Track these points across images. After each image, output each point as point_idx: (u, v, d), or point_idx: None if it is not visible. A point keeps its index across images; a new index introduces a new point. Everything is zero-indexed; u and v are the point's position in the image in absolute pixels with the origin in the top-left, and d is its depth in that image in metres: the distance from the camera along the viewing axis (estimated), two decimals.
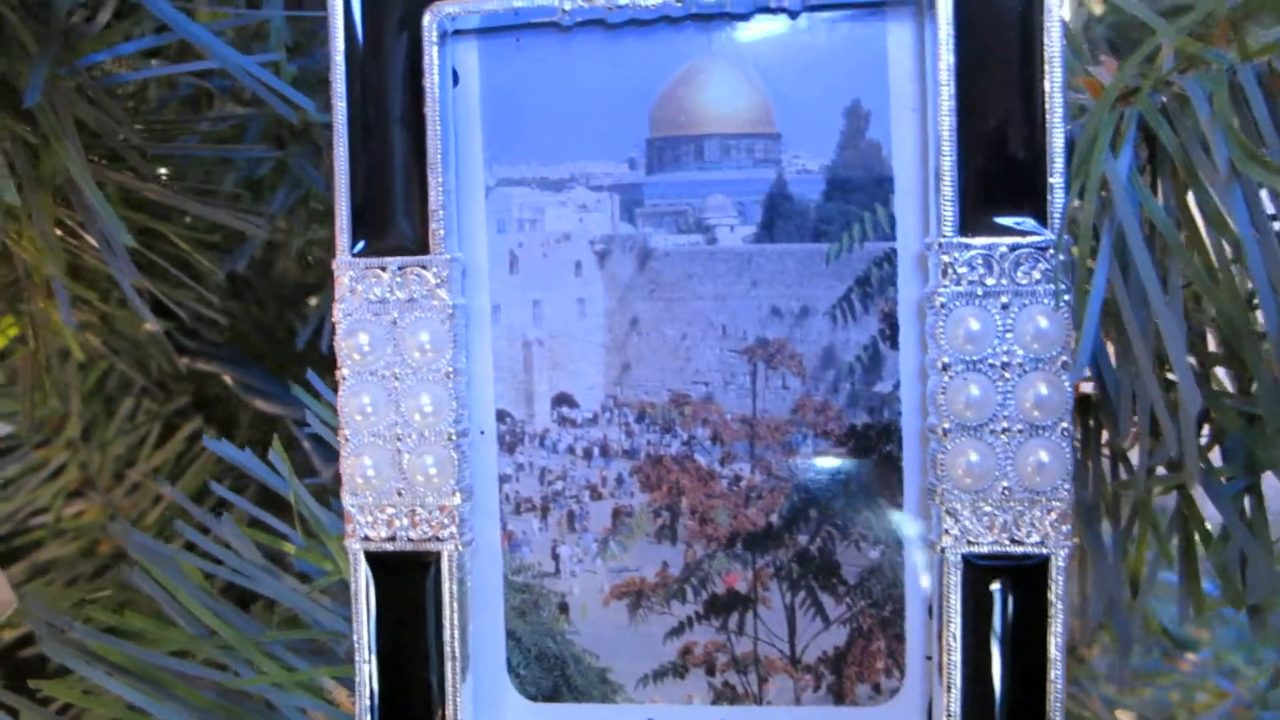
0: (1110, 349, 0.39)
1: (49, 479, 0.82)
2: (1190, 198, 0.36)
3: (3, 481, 0.81)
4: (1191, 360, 0.39)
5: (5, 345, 0.68)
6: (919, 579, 0.38)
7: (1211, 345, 0.40)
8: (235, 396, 0.72)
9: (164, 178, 0.47)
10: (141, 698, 0.38)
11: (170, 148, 0.51)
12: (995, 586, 0.36)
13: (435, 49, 0.37)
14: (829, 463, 0.38)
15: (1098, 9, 0.67)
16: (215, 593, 0.41)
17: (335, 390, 0.46)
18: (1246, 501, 0.39)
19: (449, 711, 0.38)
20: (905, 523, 0.38)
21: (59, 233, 0.51)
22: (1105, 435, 0.42)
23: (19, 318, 0.62)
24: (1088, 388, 0.43)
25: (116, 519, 0.40)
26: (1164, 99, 0.35)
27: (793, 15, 0.37)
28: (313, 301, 0.72)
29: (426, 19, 0.37)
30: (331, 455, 0.53)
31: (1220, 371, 0.41)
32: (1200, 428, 0.41)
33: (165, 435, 0.81)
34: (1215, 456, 0.40)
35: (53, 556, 0.83)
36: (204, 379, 0.74)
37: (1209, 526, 0.39)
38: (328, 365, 0.41)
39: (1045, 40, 0.35)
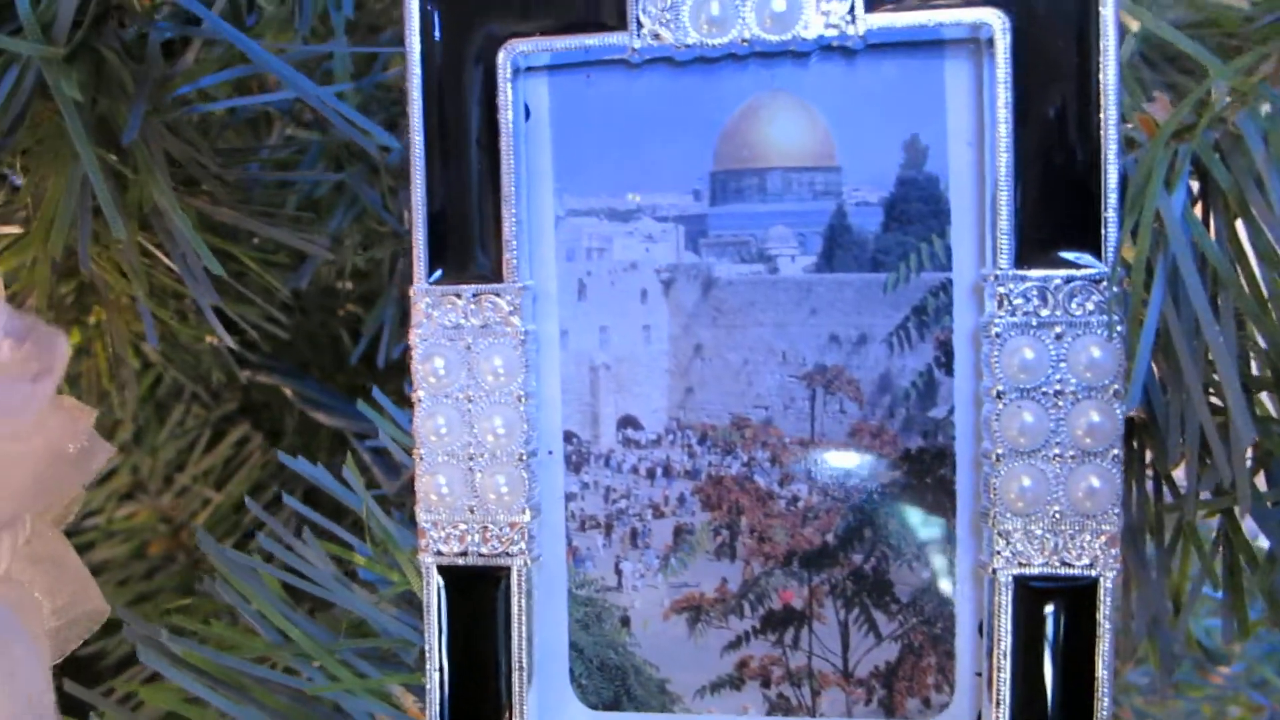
0: (1157, 375, 0.40)
1: (101, 482, 0.84)
2: (1240, 229, 0.37)
3: None
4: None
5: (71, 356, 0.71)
6: (969, 599, 0.39)
7: (1254, 369, 0.41)
8: (282, 403, 0.74)
9: (242, 201, 0.49)
10: (225, 701, 0.40)
11: (238, 172, 0.53)
12: (1046, 608, 0.37)
13: (509, 85, 0.39)
14: (884, 485, 0.39)
15: (1133, 25, 0.68)
16: (292, 602, 0.43)
17: (394, 403, 0.48)
18: None
19: (515, 719, 0.39)
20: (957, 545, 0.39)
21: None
22: (1149, 456, 0.44)
23: (83, 329, 0.65)
24: (1133, 412, 0.44)
25: (202, 530, 0.42)
26: (1217, 136, 0.36)
27: (853, 53, 0.39)
28: (362, 314, 0.74)
29: (501, 56, 0.39)
30: (392, 468, 0.55)
31: (1265, 397, 0.42)
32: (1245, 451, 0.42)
33: (214, 440, 0.83)
34: (1260, 480, 0.41)
35: (104, 558, 0.86)
36: (251, 386, 0.76)
37: (1254, 549, 0.40)
38: (380, 377, 0.43)
39: (1101, 78, 0.36)
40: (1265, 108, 0.35)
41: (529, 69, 0.40)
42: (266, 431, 0.83)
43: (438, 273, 0.40)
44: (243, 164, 0.52)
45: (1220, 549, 0.42)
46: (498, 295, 0.39)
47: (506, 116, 0.39)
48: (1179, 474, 0.41)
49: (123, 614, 0.41)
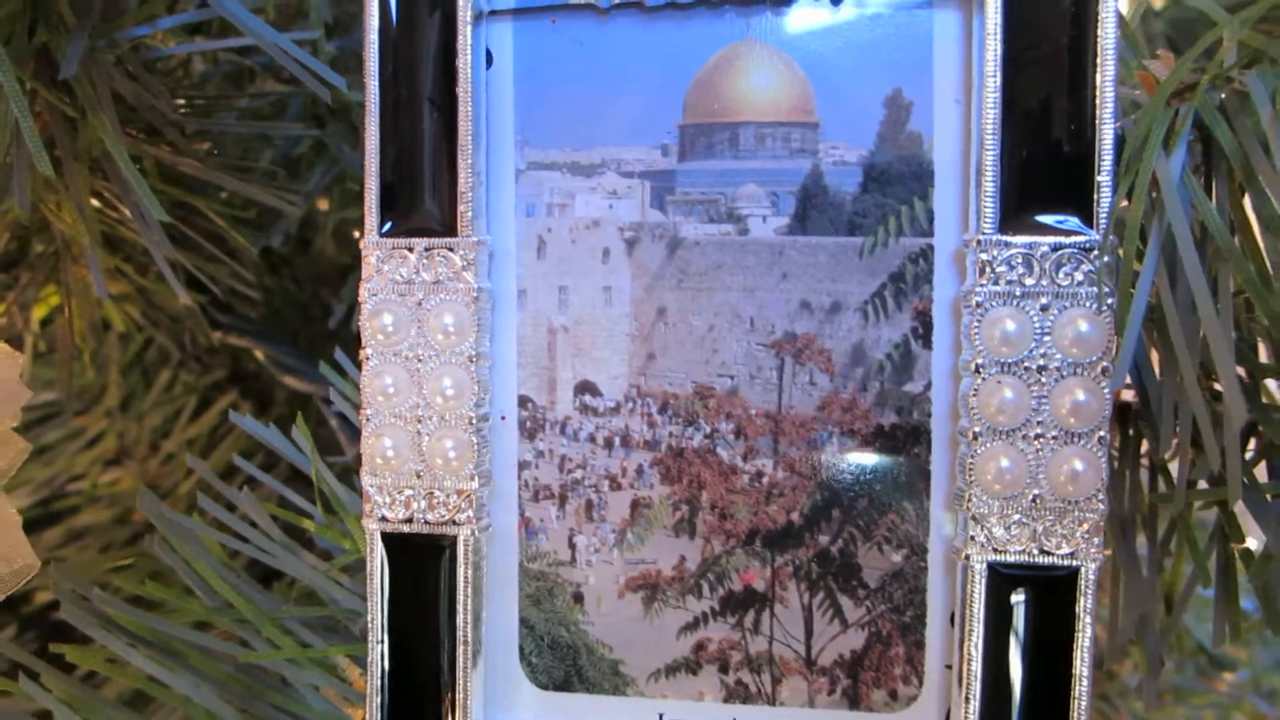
0: (1155, 356, 0.37)
1: (87, 447, 0.83)
2: (1246, 201, 0.34)
3: (42, 447, 0.82)
4: (1241, 371, 0.38)
5: (47, 314, 0.70)
6: (941, 587, 0.37)
7: (1264, 357, 0.38)
8: (271, 372, 0.72)
9: (206, 153, 0.47)
10: (158, 668, 0.38)
11: (209, 123, 0.51)
12: (1020, 597, 0.35)
13: (470, 29, 0.37)
14: (854, 462, 0.37)
15: (1158, 2, 0.65)
16: (237, 567, 0.41)
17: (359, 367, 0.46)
18: None
19: (458, 696, 0.38)
20: (930, 527, 0.37)
21: (98, 205, 0.51)
22: (1145, 445, 0.41)
23: (60, 287, 0.63)
24: (1128, 395, 0.41)
25: (143, 489, 0.40)
26: (1222, 96, 0.33)
27: (835, 2, 0.36)
28: (349, 281, 0.72)
29: None
30: (357, 434, 0.53)
31: (1272, 385, 0.39)
32: (1247, 442, 0.40)
33: (201, 408, 0.82)
34: (1261, 472, 0.39)
35: (88, 523, 0.85)
36: (240, 354, 0.75)
37: (1251, 544, 0.38)
38: (359, 345, 0.41)
39: (1099, 32, 0.34)
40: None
41: (493, 13, 0.38)
42: (255, 399, 0.81)
43: (388, 225, 0.38)
44: (212, 115, 0.50)
45: (1215, 544, 0.39)
46: (450, 250, 0.37)
47: (465, 62, 0.37)
48: (1176, 465, 0.39)
49: (55, 570, 0.40)
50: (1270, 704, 0.83)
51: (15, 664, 0.38)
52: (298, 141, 0.61)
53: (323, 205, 0.66)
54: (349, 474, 0.46)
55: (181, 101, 0.47)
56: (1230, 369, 0.32)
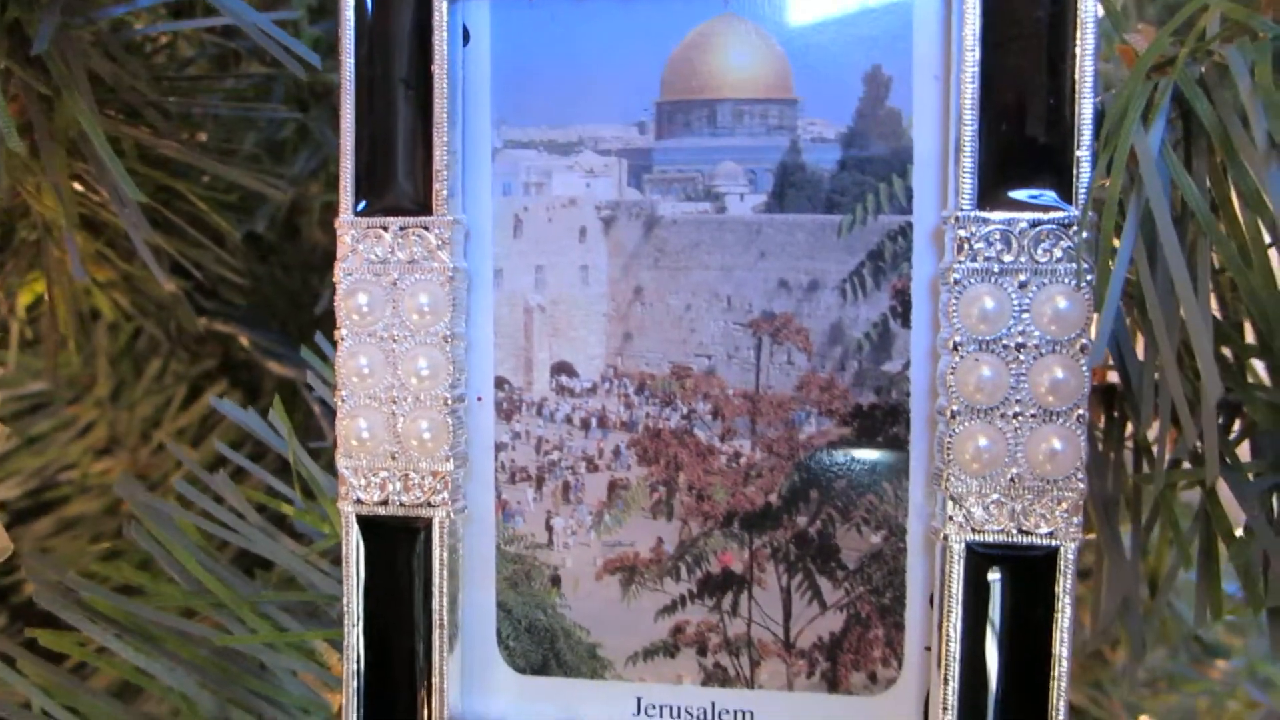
0: (1139, 335, 0.37)
1: (78, 436, 0.83)
2: (1228, 177, 0.34)
3: (33, 437, 0.82)
4: (1226, 351, 0.37)
5: (32, 301, 0.69)
6: (920, 568, 0.36)
7: (1250, 336, 0.38)
8: (260, 361, 0.72)
9: (189, 136, 0.47)
10: (134, 653, 0.38)
11: (192, 104, 0.50)
12: (998, 577, 0.34)
13: (445, 6, 0.36)
14: (832, 442, 0.37)
15: None
16: (216, 553, 0.41)
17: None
18: (1276, 500, 0.37)
19: (435, 680, 0.37)
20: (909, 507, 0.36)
21: (79, 188, 0.51)
22: (1130, 428, 0.41)
23: (44, 273, 0.63)
24: (1112, 377, 0.41)
25: (124, 474, 0.40)
26: (1203, 69, 0.33)
27: None
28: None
29: None
30: None
31: (1259, 365, 0.39)
32: (1232, 421, 0.39)
33: (191, 397, 0.82)
34: (1245, 451, 0.38)
35: (78, 512, 0.85)
36: (230, 343, 0.74)
37: (1234, 525, 0.37)
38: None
39: (1079, 6, 0.33)
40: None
41: None
42: (245, 389, 0.81)
43: (363, 203, 0.37)
44: (195, 96, 0.49)
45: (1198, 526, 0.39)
46: (425, 229, 0.37)
47: (442, 38, 0.37)
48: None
49: (30, 557, 0.39)
50: (1264, 691, 0.83)
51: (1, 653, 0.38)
52: (282, 125, 0.60)
53: (312, 191, 0.65)
54: (333, 460, 0.46)
55: (164, 83, 0.47)
56: (1207, 346, 0.31)
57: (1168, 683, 0.81)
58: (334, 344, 0.45)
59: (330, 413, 0.57)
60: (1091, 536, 0.42)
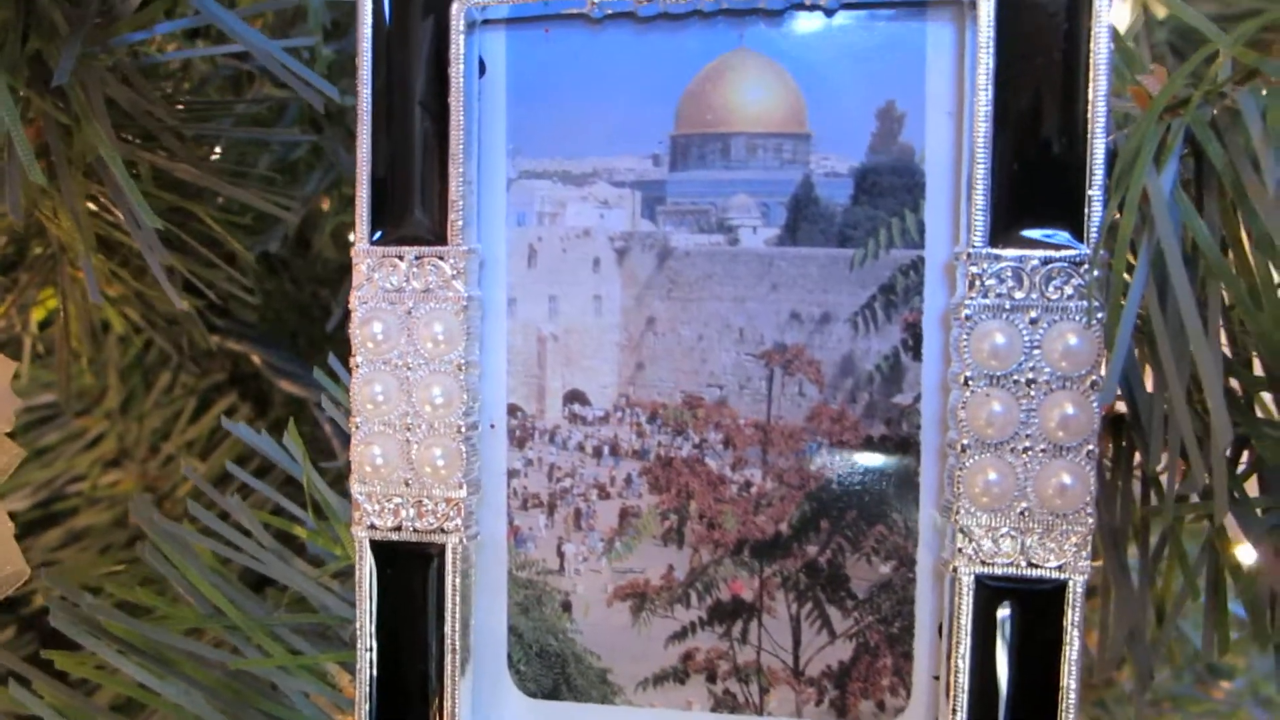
0: (1149, 370, 0.37)
1: (87, 448, 0.83)
2: (1238, 217, 0.34)
3: (42, 448, 0.82)
4: (1235, 385, 0.38)
5: (45, 317, 0.70)
6: (929, 598, 0.37)
7: (1259, 371, 0.38)
8: (269, 376, 0.72)
9: (204, 159, 0.47)
10: (148, 675, 0.38)
11: (206, 128, 0.51)
12: (1007, 611, 0.34)
13: (462, 37, 0.37)
14: (843, 473, 0.37)
15: (1160, 12, 0.64)
16: (228, 573, 0.41)
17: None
18: None
19: (447, 704, 0.38)
20: (918, 538, 0.37)
21: (94, 208, 0.52)
22: (1138, 457, 0.41)
23: (57, 290, 0.63)
24: (1122, 407, 0.41)
25: (138, 494, 0.40)
26: (1214, 112, 0.33)
27: (829, 13, 0.36)
28: (346, 282, 0.72)
29: (455, 7, 0.37)
30: (350, 439, 0.53)
31: (1269, 400, 0.39)
32: (1239, 456, 0.39)
33: (201, 410, 0.82)
34: (1253, 486, 0.38)
35: (87, 524, 0.85)
36: (239, 357, 0.75)
37: (1241, 559, 0.38)
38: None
39: (1092, 46, 0.34)
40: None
41: (486, 22, 0.38)
42: (254, 403, 0.81)
43: (379, 233, 0.38)
44: (205, 119, 0.50)
45: (1205, 559, 0.39)
46: (440, 258, 0.37)
47: (458, 70, 0.37)
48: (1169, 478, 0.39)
49: (46, 575, 0.40)
50: (1267, 711, 0.83)
51: (9, 670, 0.38)
52: (295, 146, 0.61)
53: (324, 206, 0.66)
54: (342, 480, 0.47)
55: (179, 106, 0.47)
56: (1216, 386, 0.31)
57: (1172, 703, 0.81)
58: (346, 364, 0.46)
59: (341, 433, 0.58)
60: (1099, 564, 0.42)
